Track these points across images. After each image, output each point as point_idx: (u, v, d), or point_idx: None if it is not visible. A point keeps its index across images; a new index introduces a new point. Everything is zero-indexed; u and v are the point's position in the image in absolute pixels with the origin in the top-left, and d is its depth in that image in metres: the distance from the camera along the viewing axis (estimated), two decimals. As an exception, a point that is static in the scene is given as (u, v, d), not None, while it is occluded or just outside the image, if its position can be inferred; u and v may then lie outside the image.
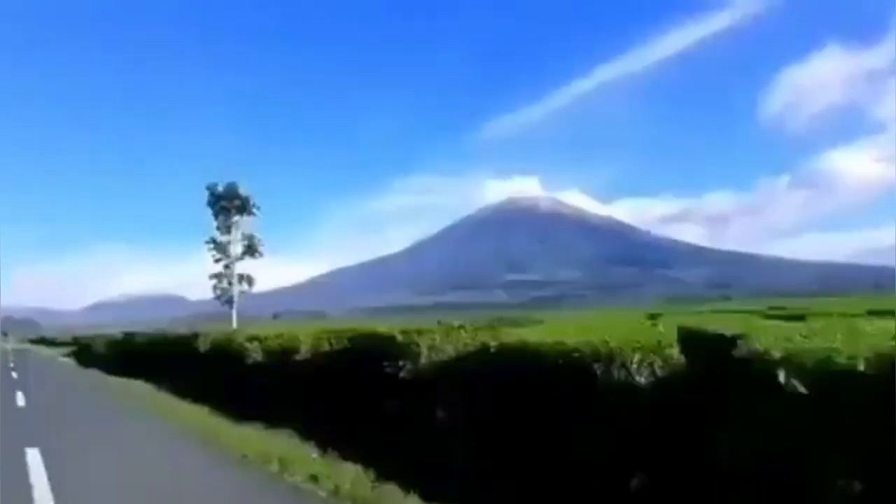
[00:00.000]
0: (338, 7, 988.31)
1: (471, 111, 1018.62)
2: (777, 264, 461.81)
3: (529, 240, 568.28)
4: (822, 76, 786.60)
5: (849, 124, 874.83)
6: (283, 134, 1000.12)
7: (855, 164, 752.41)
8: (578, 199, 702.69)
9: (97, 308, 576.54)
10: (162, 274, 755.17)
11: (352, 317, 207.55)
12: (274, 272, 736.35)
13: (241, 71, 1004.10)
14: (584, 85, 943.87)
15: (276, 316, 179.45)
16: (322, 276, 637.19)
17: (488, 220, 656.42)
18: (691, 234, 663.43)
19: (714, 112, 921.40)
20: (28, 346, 75.63)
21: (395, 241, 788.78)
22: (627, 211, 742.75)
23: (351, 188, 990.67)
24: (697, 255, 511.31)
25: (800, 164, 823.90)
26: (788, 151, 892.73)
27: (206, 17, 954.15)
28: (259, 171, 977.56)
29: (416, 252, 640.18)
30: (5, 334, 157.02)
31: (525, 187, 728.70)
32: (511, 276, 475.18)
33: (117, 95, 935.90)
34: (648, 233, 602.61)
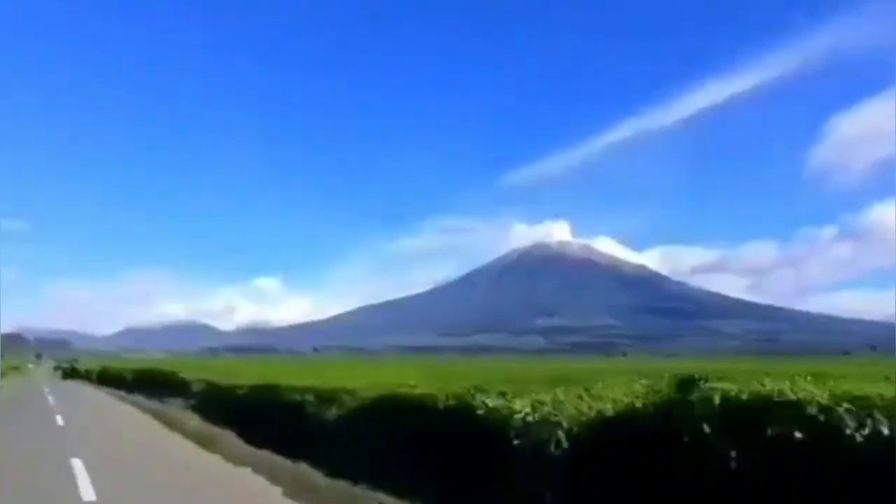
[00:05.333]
0: (376, 54, 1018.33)
1: (502, 157, 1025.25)
2: (818, 320, 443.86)
3: (559, 285, 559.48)
4: (867, 128, 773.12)
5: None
6: (319, 175, 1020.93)
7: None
8: (609, 246, 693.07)
9: (129, 333, 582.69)
10: (197, 302, 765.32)
11: (388, 353, 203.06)
12: (304, 306, 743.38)
13: (286, 112, 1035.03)
14: (617, 135, 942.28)
15: (316, 350, 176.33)
16: (349, 312, 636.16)
17: (517, 263, 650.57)
18: (727, 285, 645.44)
19: (751, 164, 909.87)
20: (64, 380, 57.97)
21: (420, 281, 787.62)
22: (660, 260, 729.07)
23: (378, 228, 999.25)
24: (735, 307, 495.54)
25: (845, 217, 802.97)
26: (833, 204, 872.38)
27: (244, 52, 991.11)
28: (290, 209, 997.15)
29: (441, 293, 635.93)
30: (39, 356, 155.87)
31: (555, 232, 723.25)
32: (541, 321, 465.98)
33: (165, 123, 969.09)
34: (682, 283, 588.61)
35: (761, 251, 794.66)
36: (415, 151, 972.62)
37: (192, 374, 24.27)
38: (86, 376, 55.66)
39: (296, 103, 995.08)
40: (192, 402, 20.53)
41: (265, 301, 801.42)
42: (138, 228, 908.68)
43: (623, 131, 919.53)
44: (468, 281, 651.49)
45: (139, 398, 27.01)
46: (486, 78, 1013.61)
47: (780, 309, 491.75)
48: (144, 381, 31.94)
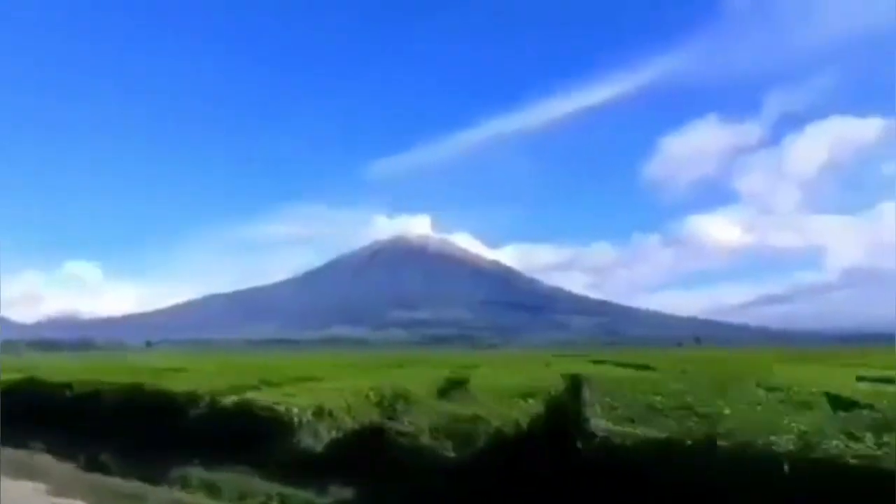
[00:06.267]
0: (243, 31, 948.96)
1: (366, 146, 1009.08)
2: (650, 315, 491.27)
3: (420, 278, 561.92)
4: (691, 148, 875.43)
5: (713, 193, 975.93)
6: (157, 147, 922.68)
7: (716, 230, 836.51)
8: (468, 242, 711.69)
9: None
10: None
11: (238, 347, 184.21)
12: (134, 294, 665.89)
13: (124, 79, 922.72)
14: (478, 134, 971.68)
15: (149, 344, 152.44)
16: (193, 302, 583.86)
17: (377, 255, 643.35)
18: (574, 282, 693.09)
19: (597, 172, 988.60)
20: None
21: (275, 270, 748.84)
22: (514, 257, 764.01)
23: (228, 210, 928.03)
24: (581, 302, 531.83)
25: (669, 226, 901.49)
26: (660, 213, 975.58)
27: (96, 29, 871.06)
28: (119, 182, 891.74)
29: (298, 283, 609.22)
30: None
31: (416, 226, 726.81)
32: (402, 314, 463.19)
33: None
34: (534, 279, 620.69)
35: (603, 252, 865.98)
36: (273, 130, 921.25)
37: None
38: None
39: (135, 61, 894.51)
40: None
41: (82, 288, 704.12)
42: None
43: (486, 131, 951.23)
44: (327, 271, 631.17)
45: None
46: (353, 65, 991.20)
47: (618, 305, 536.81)
48: None
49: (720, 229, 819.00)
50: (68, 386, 11.38)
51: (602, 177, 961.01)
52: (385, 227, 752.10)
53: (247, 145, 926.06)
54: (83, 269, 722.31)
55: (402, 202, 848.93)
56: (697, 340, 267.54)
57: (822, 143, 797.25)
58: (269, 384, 7.58)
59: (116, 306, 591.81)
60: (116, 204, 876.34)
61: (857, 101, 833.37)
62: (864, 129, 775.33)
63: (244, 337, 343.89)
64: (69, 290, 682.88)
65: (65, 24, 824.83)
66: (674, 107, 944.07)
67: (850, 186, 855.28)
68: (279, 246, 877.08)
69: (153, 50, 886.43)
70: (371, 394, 7.87)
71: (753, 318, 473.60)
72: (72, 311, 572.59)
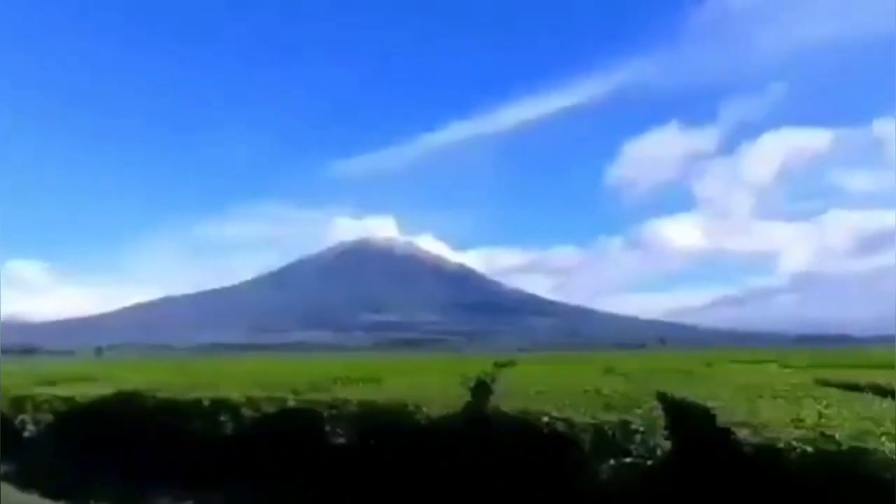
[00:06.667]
0: (204, 18, 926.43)
1: (330, 146, 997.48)
2: (613, 317, 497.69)
3: (385, 281, 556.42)
4: (652, 154, 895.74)
5: (673, 198, 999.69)
6: (109, 142, 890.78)
7: (675, 234, 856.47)
8: (433, 245, 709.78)
9: None
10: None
11: (197, 352, 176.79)
12: (83, 296, 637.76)
13: (70, 69, 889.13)
14: (442, 138, 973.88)
15: (100, 349, 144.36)
16: (148, 304, 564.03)
17: (342, 257, 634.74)
18: (538, 285, 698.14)
19: (562, 176, 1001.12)
20: None
21: (236, 271, 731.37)
22: (479, 260, 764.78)
23: (184, 209, 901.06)
24: (544, 305, 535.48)
25: (631, 229, 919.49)
26: (623, 217, 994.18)
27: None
28: (67, 178, 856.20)
29: (260, 285, 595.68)
30: None
31: (381, 228, 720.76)
32: (367, 317, 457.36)
33: None
34: (499, 282, 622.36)
35: (566, 255, 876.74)
36: (232, 128, 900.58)
37: None
38: None
39: (85, 55, 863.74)
40: None
41: (25, 290, 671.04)
42: None
43: (453, 134, 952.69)
44: (289, 273, 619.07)
45: None
46: (321, 63, 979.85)
47: (581, 308, 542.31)
48: None
49: (680, 233, 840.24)
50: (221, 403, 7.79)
51: (566, 181, 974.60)
52: (350, 228, 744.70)
53: (205, 142, 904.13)
54: (26, 269, 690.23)
55: (366, 204, 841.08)
56: (662, 342, 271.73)
57: (775, 152, 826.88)
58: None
59: (64, 309, 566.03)
60: (64, 200, 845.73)
61: (808, 113, 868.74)
62: (814, 140, 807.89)
63: (203, 341, 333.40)
64: (11, 291, 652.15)
65: (7, 19, 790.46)
66: (636, 114, 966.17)
67: (800, 194, 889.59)
68: (240, 247, 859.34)
69: (104, 43, 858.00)
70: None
71: (714, 320, 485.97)
72: (13, 313, 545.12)
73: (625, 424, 5.35)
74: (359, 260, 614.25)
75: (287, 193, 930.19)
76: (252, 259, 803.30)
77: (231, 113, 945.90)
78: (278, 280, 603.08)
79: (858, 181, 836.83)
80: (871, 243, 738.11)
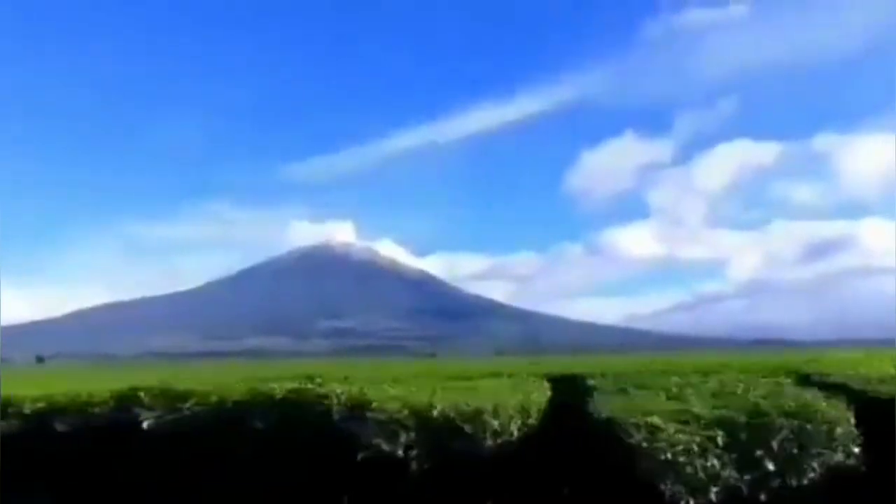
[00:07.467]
0: (146, 9, 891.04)
1: (285, 144, 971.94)
2: (571, 323, 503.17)
3: (344, 287, 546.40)
4: (609, 163, 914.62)
5: (629, 206, 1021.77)
6: (41, 137, 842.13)
7: (631, 241, 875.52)
8: (392, 250, 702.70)
9: None
10: None
11: (143, 360, 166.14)
12: (17, 302, 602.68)
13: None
14: (407, 141, 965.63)
15: (41, 359, 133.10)
16: (89, 310, 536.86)
17: (298, 262, 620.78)
18: (497, 290, 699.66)
19: (521, 183, 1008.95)
20: None
21: (185, 276, 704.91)
22: (439, 265, 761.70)
23: (128, 209, 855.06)
24: (504, 310, 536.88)
25: (588, 237, 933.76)
26: (580, 225, 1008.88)
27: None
28: (8, 182, 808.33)
29: (211, 290, 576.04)
30: None
31: (339, 233, 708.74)
32: (326, 324, 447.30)
33: None
34: (459, 288, 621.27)
35: (525, 261, 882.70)
36: (183, 121, 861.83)
37: None
38: None
39: (17, 50, 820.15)
40: None
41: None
42: None
43: (413, 138, 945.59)
44: (242, 278, 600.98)
45: None
46: (277, 61, 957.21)
47: (539, 313, 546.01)
48: None
49: (635, 241, 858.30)
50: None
51: (525, 188, 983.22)
52: (307, 232, 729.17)
53: (154, 137, 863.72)
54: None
55: (324, 207, 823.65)
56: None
57: (726, 163, 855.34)
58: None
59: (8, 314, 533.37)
60: None
61: (756, 127, 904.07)
62: (762, 153, 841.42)
63: (152, 349, 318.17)
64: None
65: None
66: (593, 124, 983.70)
67: (748, 204, 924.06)
68: (189, 248, 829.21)
69: (41, 38, 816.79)
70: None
71: (668, 325, 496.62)
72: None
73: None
74: (316, 264, 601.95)
75: (240, 194, 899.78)
76: (203, 262, 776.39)
77: (180, 107, 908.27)
78: (232, 284, 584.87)
79: (802, 193, 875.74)
80: (815, 252, 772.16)
